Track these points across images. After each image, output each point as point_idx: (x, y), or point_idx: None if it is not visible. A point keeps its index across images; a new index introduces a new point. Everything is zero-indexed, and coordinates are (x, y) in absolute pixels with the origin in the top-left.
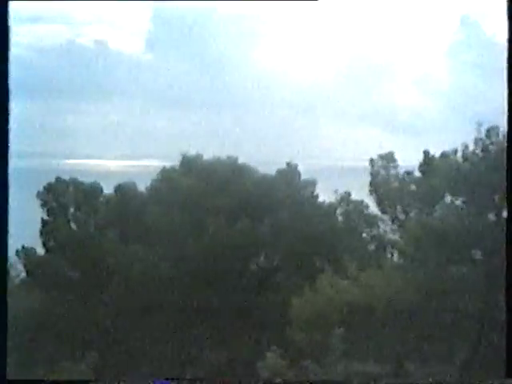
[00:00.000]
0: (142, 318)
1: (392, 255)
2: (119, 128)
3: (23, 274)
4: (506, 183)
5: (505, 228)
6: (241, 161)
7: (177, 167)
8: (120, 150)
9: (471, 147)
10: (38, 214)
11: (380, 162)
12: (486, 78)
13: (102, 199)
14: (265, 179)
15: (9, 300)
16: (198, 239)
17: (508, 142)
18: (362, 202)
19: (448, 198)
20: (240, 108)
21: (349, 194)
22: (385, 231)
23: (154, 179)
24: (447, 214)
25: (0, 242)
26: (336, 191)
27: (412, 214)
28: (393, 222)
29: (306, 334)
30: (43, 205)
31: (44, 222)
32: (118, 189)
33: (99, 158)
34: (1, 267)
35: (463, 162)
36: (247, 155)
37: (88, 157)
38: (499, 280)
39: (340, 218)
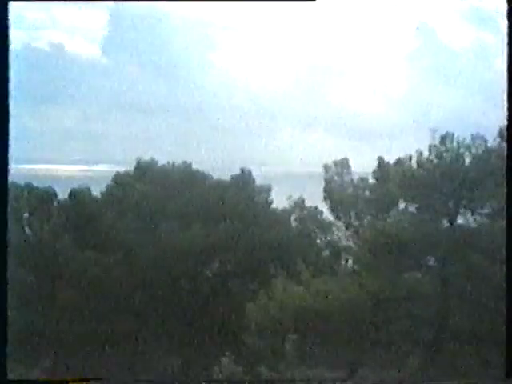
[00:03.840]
0: (95, 324)
1: (346, 261)
2: (73, 132)
3: None
4: (506, 186)
5: (460, 234)
6: (195, 166)
7: (131, 172)
8: (74, 154)
9: (426, 154)
10: None
11: (334, 168)
12: (441, 85)
13: (56, 204)
14: (218, 185)
15: None
16: (152, 244)
17: (508, 143)
18: (316, 208)
19: (402, 205)
20: (195, 113)
21: (303, 200)
22: (339, 237)
23: (109, 184)
24: (401, 220)
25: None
26: (290, 197)
27: (366, 221)
28: (347, 228)
29: (260, 340)
30: None
31: None
32: (73, 194)
33: (54, 162)
34: (1, 267)
35: (417, 168)
36: (201, 161)
37: (42, 161)
38: (453, 286)
39: (294, 224)
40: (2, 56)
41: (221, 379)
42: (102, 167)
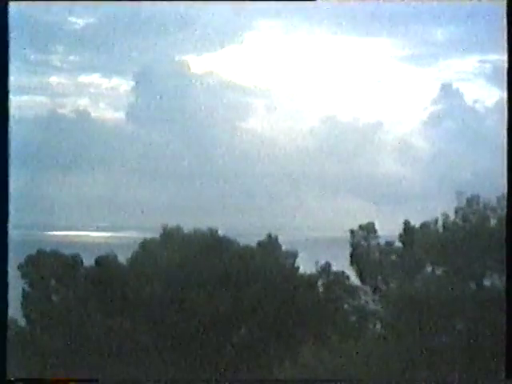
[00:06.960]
0: None
1: (374, 325)
2: (100, 199)
3: None
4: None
5: (487, 295)
6: (221, 233)
7: (157, 239)
8: (100, 221)
9: (452, 216)
10: (20, 285)
11: (360, 233)
12: (466, 147)
13: (82, 271)
14: (245, 251)
15: None
16: (179, 312)
17: (508, 147)
18: (342, 273)
19: (429, 268)
20: (221, 179)
21: (329, 265)
22: (366, 302)
23: (135, 251)
24: (428, 283)
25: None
26: (317, 262)
27: (393, 284)
28: (374, 292)
29: None
30: (24, 276)
31: (25, 294)
32: (99, 260)
33: (80, 229)
34: (1, 269)
35: (444, 231)
36: (228, 227)
37: (69, 228)
38: (481, 349)
39: (321, 289)
40: (1, 55)
41: (220, 379)
42: (128, 234)
